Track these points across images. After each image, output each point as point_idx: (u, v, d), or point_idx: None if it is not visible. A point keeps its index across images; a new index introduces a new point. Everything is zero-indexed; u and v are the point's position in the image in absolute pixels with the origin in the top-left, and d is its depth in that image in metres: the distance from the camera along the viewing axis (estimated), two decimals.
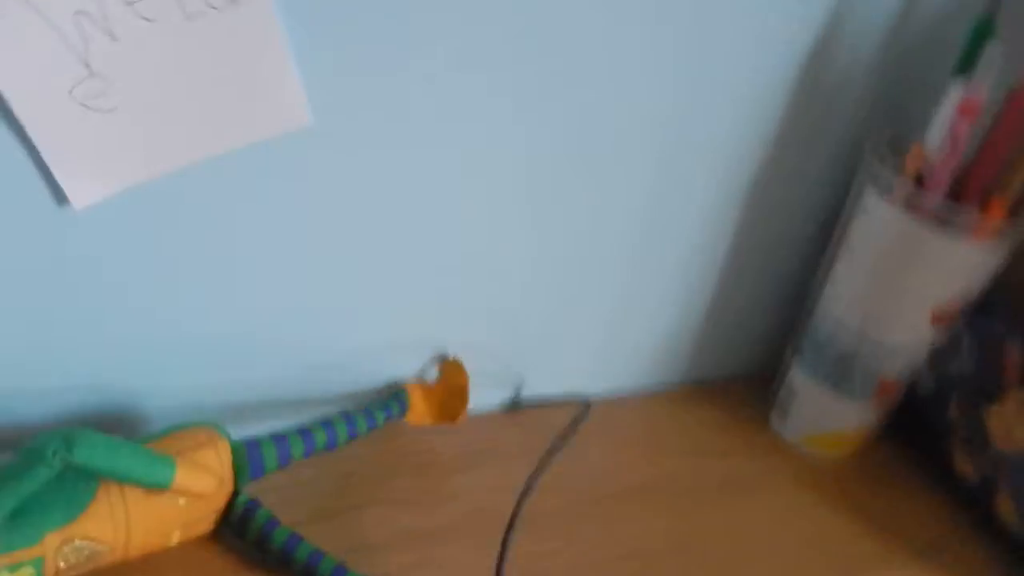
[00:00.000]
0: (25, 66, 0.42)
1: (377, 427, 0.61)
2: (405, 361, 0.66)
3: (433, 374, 0.67)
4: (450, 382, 0.65)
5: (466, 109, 0.55)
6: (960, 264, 0.63)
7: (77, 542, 0.46)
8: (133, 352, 0.56)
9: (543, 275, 0.66)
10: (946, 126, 0.61)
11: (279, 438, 0.55)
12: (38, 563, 0.45)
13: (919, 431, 0.75)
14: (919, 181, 0.63)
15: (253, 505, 0.53)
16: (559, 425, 0.67)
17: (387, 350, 0.65)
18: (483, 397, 0.68)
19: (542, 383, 0.72)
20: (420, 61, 0.52)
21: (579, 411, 0.61)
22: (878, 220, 0.64)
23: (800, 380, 0.72)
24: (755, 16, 0.60)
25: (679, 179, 0.66)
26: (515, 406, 0.71)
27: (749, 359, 0.82)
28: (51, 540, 0.45)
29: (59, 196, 0.47)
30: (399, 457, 0.64)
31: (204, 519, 0.52)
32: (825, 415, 0.72)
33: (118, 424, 0.57)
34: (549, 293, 0.68)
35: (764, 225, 0.72)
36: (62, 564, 0.46)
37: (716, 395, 0.79)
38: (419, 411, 0.64)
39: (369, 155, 0.55)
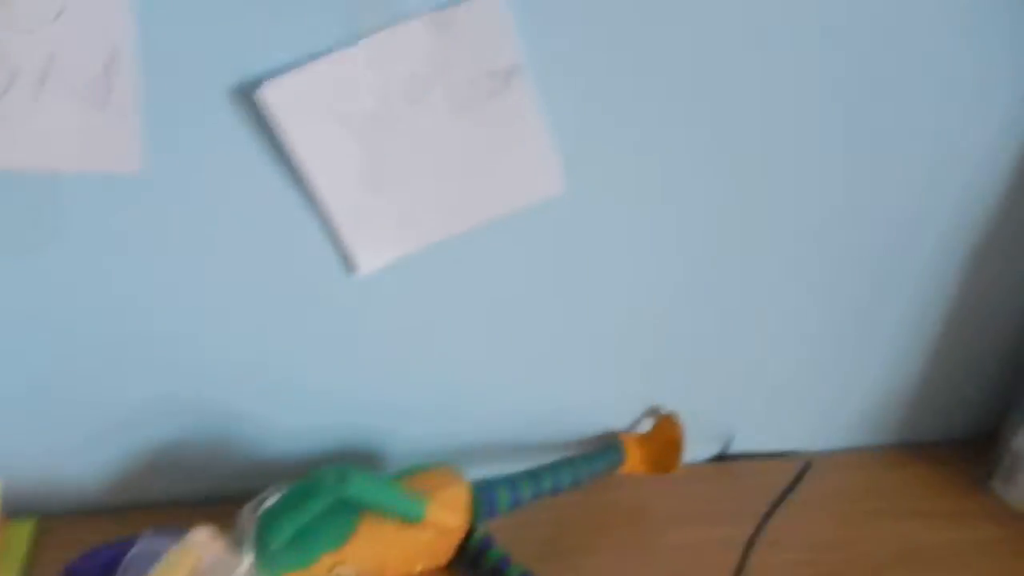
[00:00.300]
0: (324, 160, 0.49)
1: (596, 475, 0.63)
2: (618, 414, 0.68)
3: (646, 427, 0.69)
4: (664, 435, 0.66)
5: (691, 175, 0.59)
6: None
7: (344, 566, 0.51)
8: (384, 402, 0.62)
9: (761, 335, 0.68)
10: None
11: (510, 481, 0.58)
12: None
13: None
14: None
15: (488, 542, 0.56)
16: (771, 481, 0.66)
17: (602, 403, 0.68)
18: (694, 450, 0.70)
19: (750, 439, 0.72)
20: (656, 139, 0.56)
21: (798, 467, 0.61)
22: None
23: None
24: (990, 98, 0.61)
25: (907, 245, 0.67)
26: (724, 459, 0.72)
27: (965, 421, 0.79)
28: (324, 562, 0.50)
29: (349, 265, 0.54)
30: (613, 507, 0.66)
31: (444, 552, 0.56)
32: None
33: (361, 461, 0.63)
34: (767, 352, 0.69)
35: (985, 291, 0.71)
36: None
37: (933, 457, 0.76)
38: (634, 461, 0.66)
39: (597, 220, 0.59)
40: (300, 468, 0.56)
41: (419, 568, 0.56)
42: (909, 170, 0.63)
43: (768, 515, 0.58)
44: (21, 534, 0.56)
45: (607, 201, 0.58)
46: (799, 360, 0.70)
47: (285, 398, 0.60)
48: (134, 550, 0.46)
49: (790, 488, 0.60)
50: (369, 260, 0.53)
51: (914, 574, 0.64)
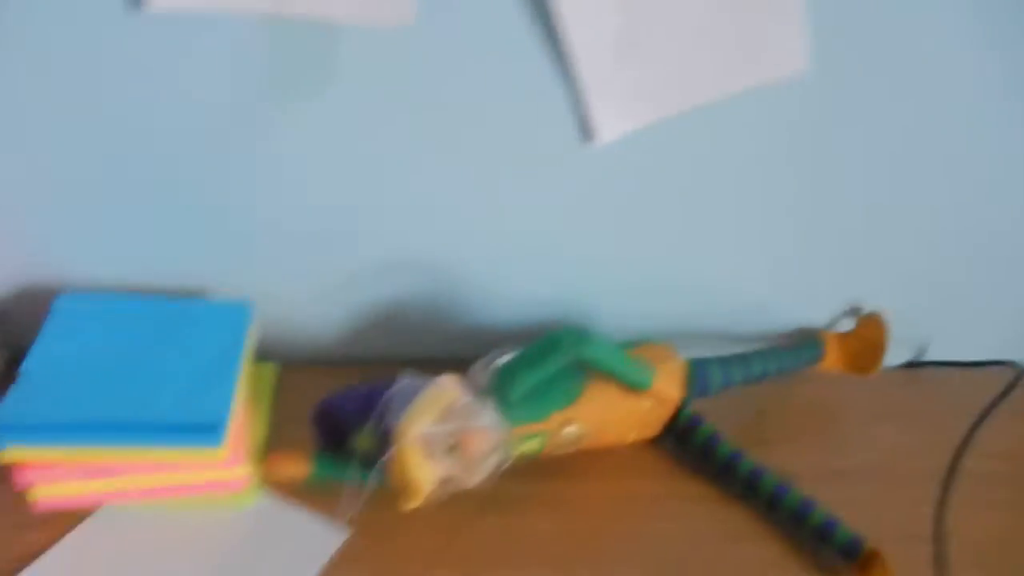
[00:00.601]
0: (584, 22, 0.50)
1: (798, 367, 0.64)
2: (819, 311, 0.69)
3: (846, 326, 0.69)
4: (867, 334, 0.66)
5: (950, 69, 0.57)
6: None
7: (571, 425, 0.54)
8: (601, 277, 0.64)
9: (964, 245, 0.66)
10: None
11: (723, 361, 0.60)
12: (543, 436, 0.54)
13: None
14: None
15: (697, 419, 0.59)
16: (968, 389, 0.66)
17: (802, 298, 0.68)
18: (890, 354, 0.69)
19: (946, 348, 0.72)
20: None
21: (1008, 376, 0.60)
22: None
23: None
24: None
25: None
26: (916, 366, 0.72)
27: None
28: (555, 419, 0.54)
29: (586, 132, 0.56)
30: (810, 403, 0.67)
31: (654, 424, 0.59)
32: None
33: None
34: (967, 264, 0.67)
35: None
36: (558, 442, 0.54)
37: None
38: (832, 359, 0.67)
39: (835, 107, 0.58)
40: (515, 337, 0.59)
41: (631, 437, 0.58)
42: None
43: (980, 419, 0.58)
44: (268, 375, 0.62)
45: (850, 87, 0.57)
46: (1007, 269, 0.68)
47: (509, 265, 0.63)
48: (395, 387, 0.50)
49: (1004, 393, 0.59)
50: (609, 130, 0.55)
51: None
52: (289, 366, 0.64)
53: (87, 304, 0.56)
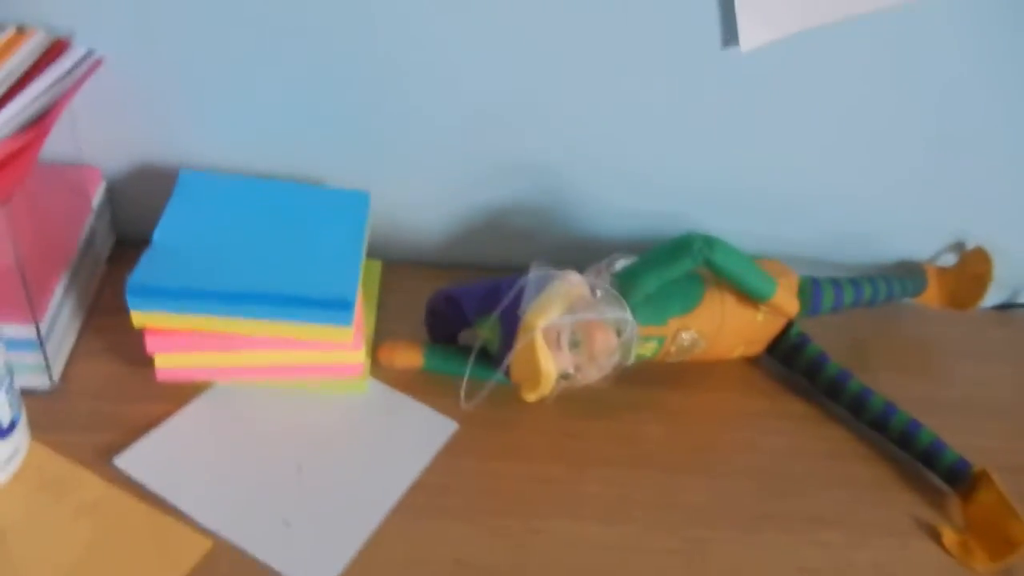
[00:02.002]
0: None
1: (903, 296, 0.64)
2: (921, 245, 0.68)
3: (948, 261, 0.69)
4: (969, 270, 0.66)
5: None
6: None
7: (688, 331, 0.54)
8: (710, 192, 0.64)
9: None
10: None
11: (835, 282, 0.60)
12: (661, 341, 0.54)
13: None
14: None
15: (805, 338, 0.58)
16: None
17: (906, 231, 0.67)
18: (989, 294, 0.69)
19: None
20: None
21: None
22: None
23: None
24: None
25: None
26: (1011, 308, 0.71)
27: None
28: (673, 324, 0.53)
29: (729, 39, 0.55)
30: (903, 335, 0.67)
31: (762, 341, 0.59)
32: None
33: None
34: None
35: None
36: (673, 348, 0.54)
37: None
38: (932, 293, 0.66)
39: (951, 33, 0.57)
40: (620, 248, 0.59)
41: (739, 351, 0.58)
42: None
43: None
44: (374, 271, 0.62)
45: (966, 14, 0.56)
46: None
47: (620, 175, 0.62)
48: (525, 278, 0.50)
49: None
50: (752, 36, 0.54)
51: None
52: (393, 264, 0.64)
53: (211, 182, 0.56)
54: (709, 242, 0.52)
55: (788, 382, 0.60)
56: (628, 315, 0.49)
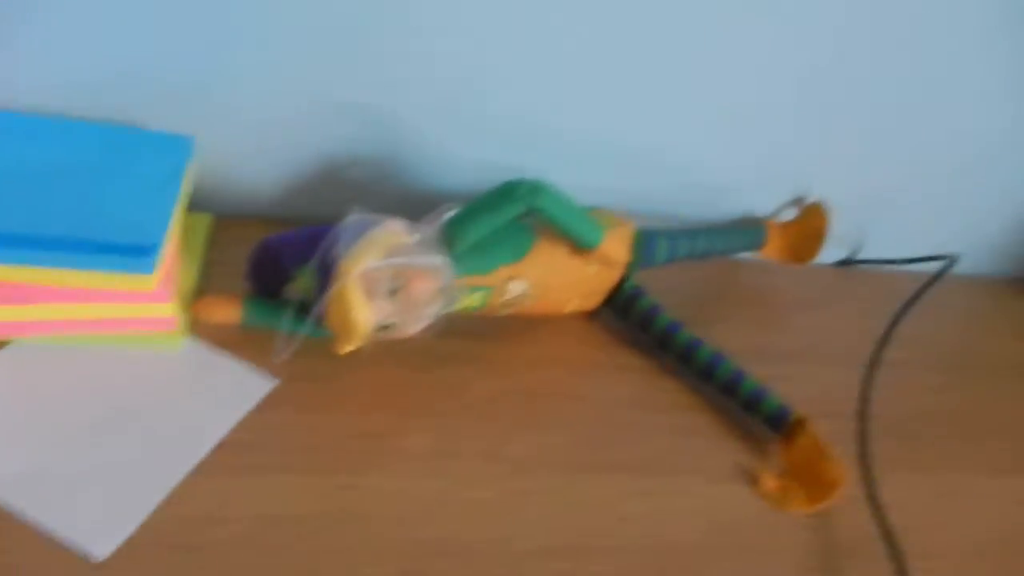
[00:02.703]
0: None
1: (742, 250, 0.65)
2: (763, 198, 0.69)
3: (789, 216, 0.70)
4: (808, 224, 0.67)
5: None
6: None
7: (517, 280, 0.53)
8: (550, 145, 0.63)
9: (906, 141, 0.67)
10: None
11: (670, 233, 0.60)
12: (488, 291, 0.53)
13: None
14: None
15: (639, 290, 0.59)
16: (900, 286, 0.68)
17: (749, 185, 0.68)
18: (823, 252, 0.70)
19: (878, 249, 0.73)
20: None
21: (929, 277, 0.61)
22: None
23: None
24: None
25: None
26: (851, 264, 0.73)
27: None
28: (501, 273, 0.52)
29: None
30: (744, 288, 0.68)
31: (596, 294, 0.58)
32: None
33: None
34: (909, 163, 0.69)
35: None
36: (501, 299, 0.53)
37: None
38: (773, 247, 0.68)
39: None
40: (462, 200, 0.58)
41: (574, 305, 0.58)
42: None
43: (911, 301, 0.60)
44: (201, 226, 0.59)
45: None
46: (947, 175, 0.70)
47: (461, 124, 0.61)
48: (342, 224, 0.48)
49: (931, 281, 0.61)
50: None
51: None
52: (224, 218, 0.61)
53: (10, 122, 0.52)
54: (535, 188, 0.51)
55: (625, 336, 0.60)
56: (446, 261, 0.48)
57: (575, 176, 0.63)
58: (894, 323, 0.57)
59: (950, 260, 0.61)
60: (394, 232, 0.48)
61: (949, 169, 0.70)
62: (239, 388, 0.50)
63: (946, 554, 0.51)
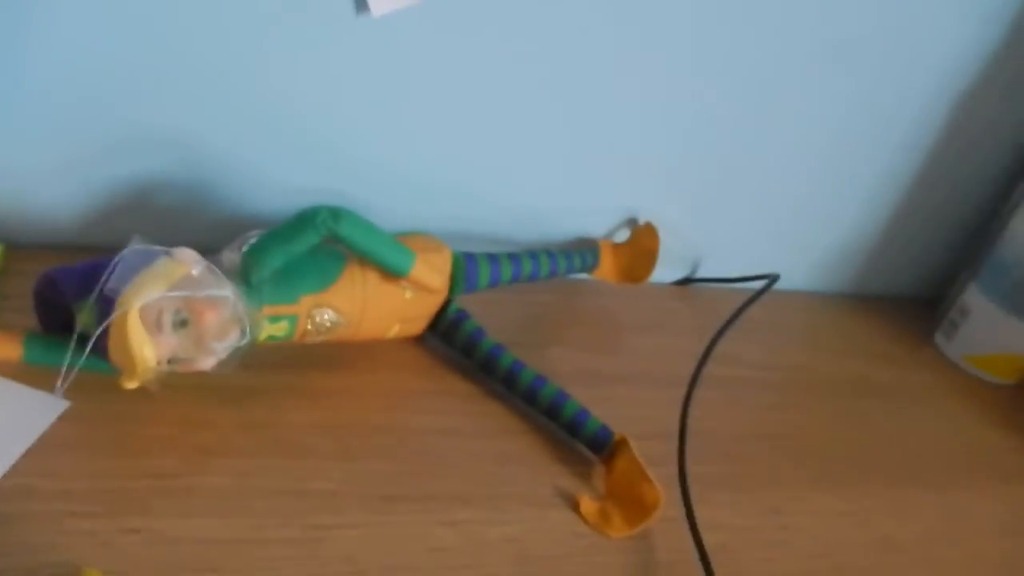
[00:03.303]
0: None
1: (571, 271, 0.65)
2: (597, 222, 0.69)
3: (622, 237, 0.70)
4: (640, 245, 0.68)
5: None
6: None
7: (324, 310, 0.51)
8: (372, 167, 0.61)
9: (734, 165, 0.69)
10: None
11: (492, 257, 0.59)
12: (293, 320, 0.51)
13: None
14: None
15: (463, 314, 0.57)
16: (734, 304, 0.69)
17: (582, 210, 0.68)
18: (662, 271, 0.71)
19: (717, 267, 0.74)
20: None
21: (753, 294, 0.62)
22: None
23: (975, 300, 0.73)
24: None
25: (880, 94, 0.68)
26: (689, 282, 0.74)
27: (917, 282, 0.83)
28: (306, 302, 0.51)
29: (360, 4, 0.52)
30: (581, 310, 0.68)
31: (419, 319, 0.57)
32: (996, 337, 0.72)
33: None
34: (740, 183, 0.70)
35: (954, 161, 0.74)
36: (309, 327, 0.51)
37: (882, 309, 0.80)
38: (607, 267, 0.68)
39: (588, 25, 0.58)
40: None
41: (394, 332, 0.56)
42: (888, 47, 0.65)
43: (731, 321, 0.60)
44: None
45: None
46: (777, 193, 0.72)
47: (277, 147, 0.59)
48: (121, 254, 0.45)
49: (755, 297, 0.62)
50: (382, 1, 0.52)
51: (857, 399, 0.68)
52: (17, 248, 0.57)
53: None
54: (336, 214, 0.49)
55: (451, 361, 0.59)
56: (237, 291, 0.46)
57: (396, 203, 0.62)
58: (715, 341, 0.58)
59: (771, 278, 0.63)
60: (180, 262, 0.46)
61: (780, 190, 0.71)
62: (25, 413, 0.46)
63: (765, 571, 0.51)
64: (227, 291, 0.46)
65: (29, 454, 0.45)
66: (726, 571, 0.49)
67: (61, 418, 0.47)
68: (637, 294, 0.70)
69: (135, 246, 0.46)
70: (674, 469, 0.53)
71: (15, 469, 0.44)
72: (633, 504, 0.51)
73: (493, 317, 0.60)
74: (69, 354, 0.47)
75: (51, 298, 0.49)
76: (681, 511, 0.51)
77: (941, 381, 0.73)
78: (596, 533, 0.50)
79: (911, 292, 0.84)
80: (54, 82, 0.53)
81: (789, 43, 0.63)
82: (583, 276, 0.68)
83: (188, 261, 0.46)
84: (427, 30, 0.56)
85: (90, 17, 0.51)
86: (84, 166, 0.57)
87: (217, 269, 0.46)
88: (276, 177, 0.60)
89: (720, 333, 0.58)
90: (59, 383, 0.47)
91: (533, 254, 0.61)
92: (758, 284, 0.67)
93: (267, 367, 0.53)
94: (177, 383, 0.49)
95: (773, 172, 0.70)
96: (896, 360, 0.74)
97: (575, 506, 0.51)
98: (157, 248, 0.46)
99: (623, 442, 0.53)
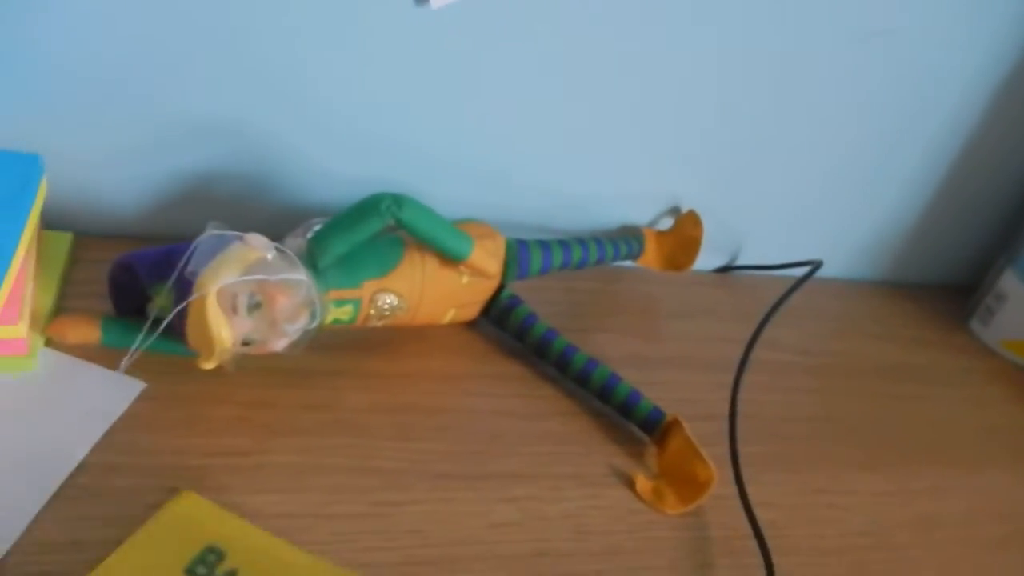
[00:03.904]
0: None
1: (617, 259, 0.66)
2: (640, 209, 0.71)
3: (666, 225, 0.71)
4: (684, 233, 0.69)
5: None
6: None
7: (386, 293, 0.53)
8: (427, 158, 0.63)
9: (775, 152, 0.70)
10: None
11: (544, 244, 0.60)
12: (357, 304, 0.52)
13: None
14: None
15: (516, 300, 0.59)
16: (774, 291, 0.70)
17: (626, 197, 0.70)
18: (702, 259, 0.72)
19: (757, 255, 0.76)
20: None
21: (795, 281, 0.64)
22: None
23: (1012, 286, 0.74)
24: None
25: (921, 80, 0.70)
26: (730, 270, 0.75)
27: (953, 269, 0.84)
28: (368, 286, 0.52)
29: None
30: (625, 297, 0.70)
31: (474, 304, 0.59)
32: None
33: None
34: (777, 171, 0.71)
35: (991, 149, 0.75)
36: (372, 311, 0.53)
37: (918, 296, 0.81)
38: (651, 255, 0.69)
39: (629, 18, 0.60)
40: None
41: (450, 317, 0.58)
42: (929, 31, 0.66)
43: (776, 307, 0.61)
44: (61, 244, 0.57)
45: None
46: (816, 181, 0.73)
47: (333, 138, 0.60)
48: (199, 240, 0.47)
49: (798, 283, 0.63)
50: None
51: (895, 383, 0.69)
52: (85, 237, 0.59)
53: None
54: (398, 201, 0.51)
55: (503, 345, 0.60)
56: (308, 275, 0.48)
57: (448, 191, 0.63)
58: (761, 327, 0.59)
59: (814, 265, 0.64)
60: (253, 248, 0.47)
61: (819, 178, 0.72)
62: (105, 395, 0.48)
63: (814, 548, 0.53)
64: (300, 275, 0.47)
65: (111, 433, 0.47)
66: (777, 546, 0.50)
67: (139, 398, 0.49)
68: (680, 281, 0.72)
69: (211, 231, 0.47)
70: (722, 449, 0.54)
71: (98, 446, 0.46)
72: (687, 482, 0.52)
73: (540, 304, 0.61)
74: (144, 336, 0.48)
75: (126, 283, 0.51)
76: (732, 489, 0.52)
77: (978, 366, 0.74)
78: (651, 510, 0.52)
79: (947, 279, 0.85)
80: (112, 71, 0.55)
81: (824, 31, 0.64)
82: (627, 264, 0.70)
83: (261, 246, 0.47)
84: (480, 24, 0.58)
85: (147, 9, 0.53)
86: (144, 156, 0.59)
87: (288, 252, 0.48)
88: (332, 167, 0.62)
89: (767, 318, 0.59)
90: (124, 362, 0.49)
91: (582, 241, 0.63)
92: (798, 271, 0.68)
93: (328, 351, 0.55)
94: (245, 365, 0.51)
95: (810, 161, 0.72)
96: (933, 345, 0.75)
97: (630, 484, 0.53)
98: (231, 234, 0.47)
99: (676, 422, 0.54)
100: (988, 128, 0.74)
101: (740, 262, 0.76)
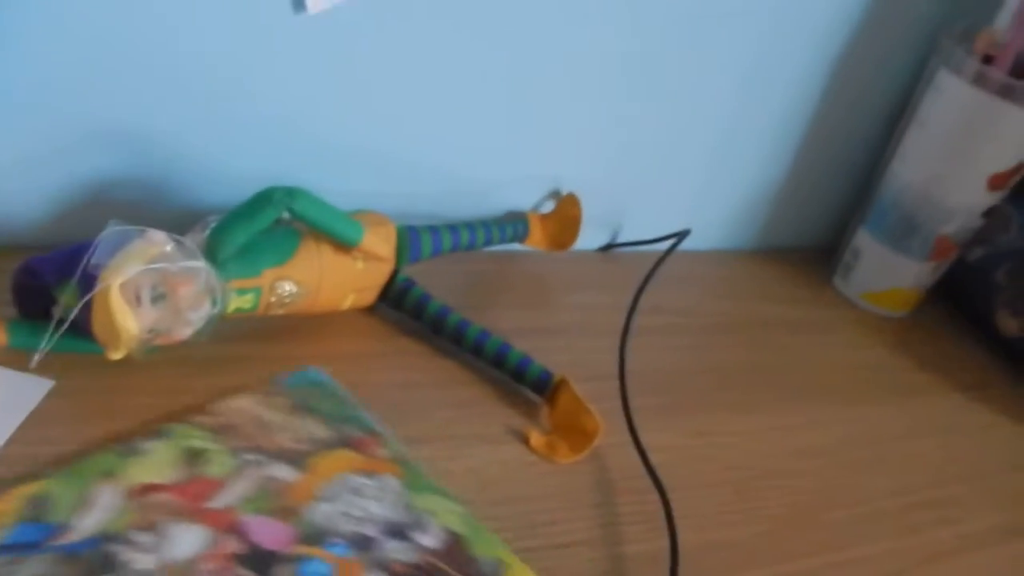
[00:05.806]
0: None
1: (505, 240, 0.71)
2: (524, 194, 0.76)
3: (548, 208, 0.77)
4: (564, 213, 0.74)
5: None
6: (1019, 133, 0.71)
7: (286, 281, 0.56)
8: (316, 154, 0.67)
9: (648, 132, 0.76)
10: (1014, 9, 0.70)
11: (433, 229, 0.65)
12: (257, 292, 0.55)
13: (965, 297, 0.84)
14: (987, 61, 0.72)
15: (411, 282, 0.63)
16: (650, 265, 0.76)
17: (509, 183, 0.75)
18: (585, 238, 0.78)
19: (636, 231, 0.82)
20: None
21: (663, 252, 0.69)
22: (948, 95, 0.73)
23: (865, 241, 0.82)
24: None
25: (773, 57, 0.76)
26: (611, 248, 0.81)
27: (816, 231, 0.91)
28: (268, 275, 0.55)
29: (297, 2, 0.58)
30: (514, 275, 0.74)
31: (371, 289, 0.62)
32: (886, 273, 0.81)
33: None
34: (650, 150, 0.78)
35: (841, 111, 0.82)
36: (272, 298, 0.56)
37: (786, 259, 0.88)
38: (536, 236, 0.74)
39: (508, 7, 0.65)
40: None
41: (349, 302, 0.62)
42: None
43: (652, 272, 0.67)
44: None
45: None
46: (688, 164, 0.79)
47: (228, 138, 0.63)
48: (101, 235, 0.49)
49: (669, 251, 0.69)
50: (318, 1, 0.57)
51: (768, 335, 0.76)
52: None
53: None
54: (290, 192, 0.54)
55: (401, 325, 0.64)
56: (208, 265, 0.51)
57: (340, 183, 0.67)
58: (640, 291, 0.64)
59: (682, 234, 0.70)
60: (154, 242, 0.50)
61: (689, 159, 0.79)
62: (14, 394, 0.50)
63: (701, 482, 0.58)
64: (198, 263, 0.50)
65: (24, 427, 0.49)
66: (669, 484, 0.55)
67: (51, 395, 0.51)
68: (565, 260, 0.77)
69: (112, 228, 0.50)
70: (615, 404, 0.60)
71: (14, 439, 0.48)
72: (576, 433, 0.57)
73: (436, 286, 0.65)
74: (52, 333, 0.51)
75: (30, 286, 0.53)
76: (625, 438, 0.57)
77: (843, 317, 0.82)
78: (547, 461, 0.56)
79: (812, 242, 0.92)
80: (3, 80, 0.57)
81: (681, 13, 0.70)
82: (516, 246, 0.75)
83: (161, 240, 0.50)
84: (362, 17, 0.61)
85: (36, 17, 0.55)
86: (40, 165, 0.60)
87: (188, 244, 0.51)
88: (229, 167, 0.65)
89: (644, 284, 0.65)
90: (35, 357, 0.51)
91: (470, 225, 0.67)
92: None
93: (235, 339, 0.58)
94: (155, 358, 0.54)
95: (679, 138, 0.78)
96: (803, 302, 0.82)
97: (525, 440, 0.57)
98: (133, 228, 0.50)
99: (563, 382, 0.59)
100: (834, 100, 0.81)
101: (621, 239, 0.81)
